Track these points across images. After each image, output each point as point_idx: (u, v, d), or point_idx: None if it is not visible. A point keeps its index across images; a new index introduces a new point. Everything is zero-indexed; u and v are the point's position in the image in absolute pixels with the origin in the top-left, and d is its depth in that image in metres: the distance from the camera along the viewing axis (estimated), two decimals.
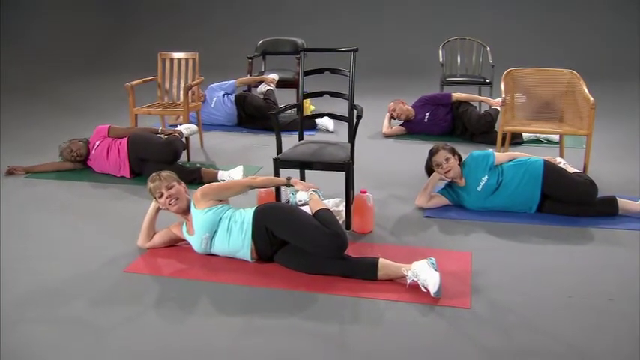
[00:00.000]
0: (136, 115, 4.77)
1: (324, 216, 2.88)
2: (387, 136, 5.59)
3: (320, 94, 3.68)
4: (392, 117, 5.65)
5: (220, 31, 10.40)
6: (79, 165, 4.50)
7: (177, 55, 5.04)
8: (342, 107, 3.73)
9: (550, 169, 3.57)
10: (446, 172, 3.64)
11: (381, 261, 2.79)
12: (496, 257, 3.08)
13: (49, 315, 2.53)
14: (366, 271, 2.78)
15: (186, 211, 3.06)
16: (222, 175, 4.17)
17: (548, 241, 3.27)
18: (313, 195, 3.02)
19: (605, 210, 3.53)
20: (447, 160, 3.63)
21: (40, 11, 9.57)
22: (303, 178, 3.71)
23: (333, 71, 3.63)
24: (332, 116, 3.68)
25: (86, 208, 3.79)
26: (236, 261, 2.99)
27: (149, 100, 5.22)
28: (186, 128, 4.53)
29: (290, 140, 4.17)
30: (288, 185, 3.07)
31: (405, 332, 2.41)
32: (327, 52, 3.63)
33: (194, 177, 4.13)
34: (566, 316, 2.54)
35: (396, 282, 2.78)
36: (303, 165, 3.33)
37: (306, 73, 3.64)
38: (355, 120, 3.32)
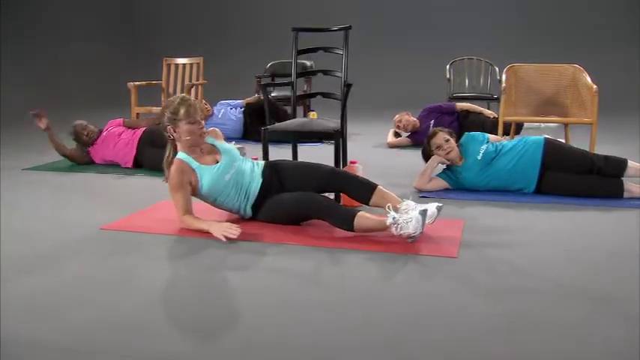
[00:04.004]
0: (138, 114, 4.80)
1: None
2: (392, 147, 5.51)
3: (313, 72, 3.66)
4: (398, 128, 5.58)
5: (230, 52, 10.47)
6: (79, 153, 4.42)
7: (181, 61, 5.12)
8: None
9: (552, 140, 3.51)
10: (447, 154, 3.53)
11: (361, 212, 2.66)
12: (490, 224, 2.94)
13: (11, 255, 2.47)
14: (344, 218, 2.64)
15: (202, 148, 2.86)
16: None
17: (547, 211, 3.12)
18: None
19: (611, 188, 3.35)
20: (446, 141, 3.53)
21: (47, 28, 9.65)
22: (295, 152, 3.64)
23: (327, 50, 3.62)
24: (324, 95, 3.65)
25: (80, 188, 3.75)
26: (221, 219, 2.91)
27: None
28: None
29: (286, 151, 4.11)
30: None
31: (385, 276, 2.28)
32: (320, 32, 3.62)
33: None
34: (561, 264, 2.37)
35: (378, 236, 2.66)
36: (293, 134, 3.27)
37: (300, 52, 3.64)
38: (345, 89, 3.27)
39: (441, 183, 3.61)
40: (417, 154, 4.97)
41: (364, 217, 2.64)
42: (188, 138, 2.78)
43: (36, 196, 3.55)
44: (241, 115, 5.91)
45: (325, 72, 3.63)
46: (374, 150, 5.28)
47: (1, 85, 7.89)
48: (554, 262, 2.38)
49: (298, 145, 3.77)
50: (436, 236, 2.69)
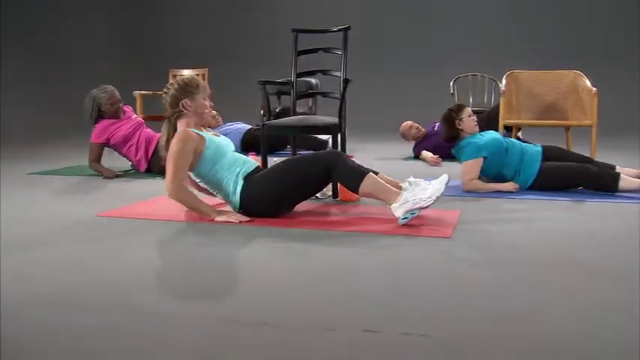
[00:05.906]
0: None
1: None
2: (435, 164, 5.33)
3: (313, 72, 3.71)
4: (410, 129, 5.53)
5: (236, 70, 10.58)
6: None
7: (187, 72, 5.21)
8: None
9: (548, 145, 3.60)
10: (476, 124, 3.63)
11: (371, 175, 2.63)
12: (486, 211, 2.93)
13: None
14: (354, 174, 2.62)
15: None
16: None
17: (545, 204, 3.10)
18: None
19: (607, 175, 3.30)
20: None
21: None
22: (294, 150, 3.66)
23: (326, 50, 3.68)
24: (324, 94, 3.69)
25: (82, 187, 3.79)
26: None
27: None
28: None
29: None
30: None
31: (376, 252, 2.27)
32: (319, 32, 3.69)
33: None
34: (555, 243, 2.36)
35: (370, 215, 2.65)
36: (292, 129, 3.30)
37: (300, 52, 3.70)
38: (343, 85, 3.31)
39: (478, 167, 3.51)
40: (418, 163, 5.04)
41: (374, 177, 2.63)
42: (206, 111, 2.77)
43: (39, 194, 3.59)
44: (242, 133, 5.87)
45: (324, 72, 3.68)
46: (377, 162, 5.29)
47: (7, 97, 8.01)
48: (547, 241, 2.37)
49: (298, 152, 3.78)
50: (430, 220, 2.68)
